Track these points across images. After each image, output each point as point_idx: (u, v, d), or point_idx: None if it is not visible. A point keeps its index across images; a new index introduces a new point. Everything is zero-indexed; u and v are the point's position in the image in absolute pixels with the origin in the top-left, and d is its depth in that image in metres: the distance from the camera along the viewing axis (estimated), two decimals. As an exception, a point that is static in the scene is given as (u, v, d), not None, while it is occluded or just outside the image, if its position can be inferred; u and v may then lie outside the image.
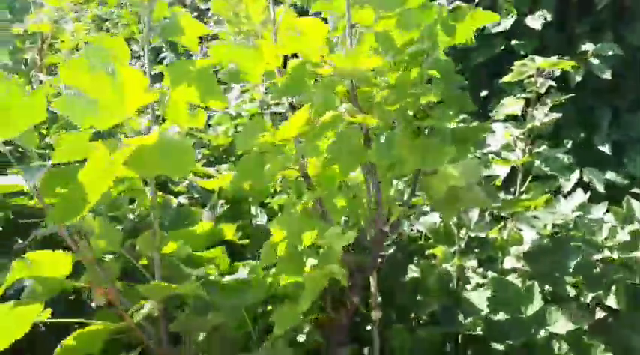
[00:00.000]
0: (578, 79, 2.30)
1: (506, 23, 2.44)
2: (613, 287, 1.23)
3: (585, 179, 2.26)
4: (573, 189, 2.04)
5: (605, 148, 2.31)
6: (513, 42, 2.48)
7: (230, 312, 0.95)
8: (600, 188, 2.20)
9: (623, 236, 1.31)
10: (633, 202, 1.41)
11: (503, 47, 2.49)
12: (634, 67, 2.39)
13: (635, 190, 2.20)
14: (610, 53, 2.27)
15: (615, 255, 1.27)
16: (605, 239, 1.32)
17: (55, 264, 0.81)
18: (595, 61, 2.30)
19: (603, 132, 2.34)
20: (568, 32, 2.49)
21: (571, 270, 1.23)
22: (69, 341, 0.82)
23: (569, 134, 2.39)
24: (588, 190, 1.83)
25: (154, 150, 0.78)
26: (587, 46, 2.37)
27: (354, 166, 0.94)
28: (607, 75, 2.26)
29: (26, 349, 0.88)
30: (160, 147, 0.79)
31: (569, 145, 2.33)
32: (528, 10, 2.47)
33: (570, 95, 1.57)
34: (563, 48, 2.43)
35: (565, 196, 1.57)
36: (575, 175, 2.26)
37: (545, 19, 2.40)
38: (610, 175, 2.27)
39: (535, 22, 2.41)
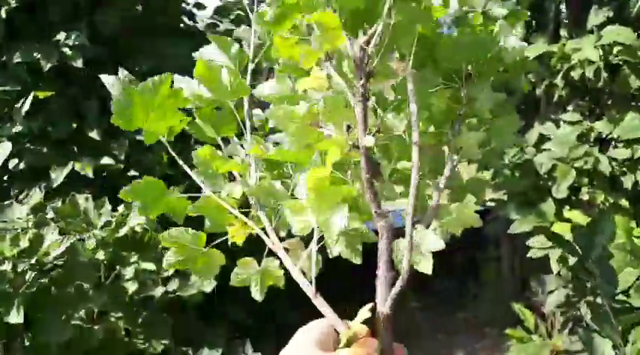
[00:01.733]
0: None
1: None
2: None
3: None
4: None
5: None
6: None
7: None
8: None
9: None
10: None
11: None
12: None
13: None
14: (78, 42, 2.33)
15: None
16: None
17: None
18: (67, 50, 2.33)
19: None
20: (41, 19, 2.43)
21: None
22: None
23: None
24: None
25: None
26: (61, 35, 2.37)
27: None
28: (79, 63, 2.32)
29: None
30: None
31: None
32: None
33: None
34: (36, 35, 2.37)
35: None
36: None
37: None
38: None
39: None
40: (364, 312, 0.57)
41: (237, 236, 0.76)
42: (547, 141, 2.55)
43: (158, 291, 1.62)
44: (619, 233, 1.70)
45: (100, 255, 1.37)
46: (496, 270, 3.89)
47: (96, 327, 1.43)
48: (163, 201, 0.75)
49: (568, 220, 2.57)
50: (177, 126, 0.77)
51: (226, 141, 0.81)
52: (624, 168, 2.31)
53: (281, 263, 0.70)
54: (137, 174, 2.35)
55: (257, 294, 0.72)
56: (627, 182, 2.29)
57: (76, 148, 2.45)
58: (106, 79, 0.76)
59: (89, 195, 1.53)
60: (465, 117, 0.75)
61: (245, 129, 0.79)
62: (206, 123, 0.81)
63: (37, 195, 1.56)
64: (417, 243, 0.61)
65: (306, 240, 0.69)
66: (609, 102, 2.54)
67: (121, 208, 1.58)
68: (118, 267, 1.52)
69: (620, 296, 1.36)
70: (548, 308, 2.90)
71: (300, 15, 0.68)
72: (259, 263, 0.72)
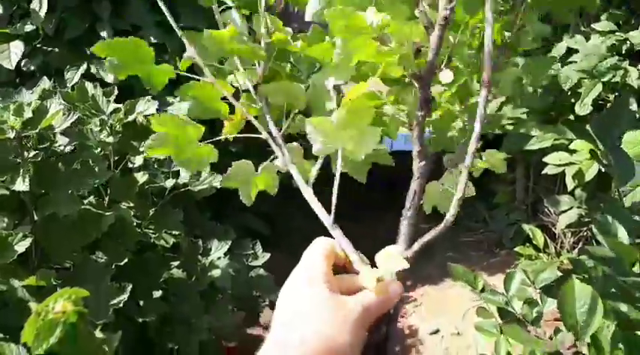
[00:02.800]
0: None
1: None
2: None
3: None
4: None
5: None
6: None
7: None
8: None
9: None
10: None
11: None
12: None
13: None
14: None
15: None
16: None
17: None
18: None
19: None
20: None
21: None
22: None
23: None
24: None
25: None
26: None
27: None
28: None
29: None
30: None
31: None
32: None
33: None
34: None
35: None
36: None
37: None
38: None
39: None
40: (392, 254, 0.52)
41: (231, 131, 0.71)
42: (575, 55, 2.43)
43: (168, 183, 1.62)
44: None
45: (110, 140, 1.36)
46: (509, 194, 3.87)
47: (107, 214, 1.44)
48: (144, 66, 0.66)
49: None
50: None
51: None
52: (655, 83, 2.20)
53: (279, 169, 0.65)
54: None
55: (245, 198, 0.69)
56: (656, 97, 2.18)
57: (88, 49, 2.41)
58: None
59: (97, 83, 1.50)
60: (509, 46, 0.68)
61: (259, 3, 0.69)
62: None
63: (45, 83, 1.54)
64: (446, 188, 0.58)
65: (306, 147, 0.65)
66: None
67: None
68: (127, 156, 1.52)
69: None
70: (559, 228, 2.90)
71: None
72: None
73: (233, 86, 0.70)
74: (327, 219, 0.56)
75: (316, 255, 0.53)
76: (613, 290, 1.02)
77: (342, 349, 0.47)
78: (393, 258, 0.52)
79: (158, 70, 0.67)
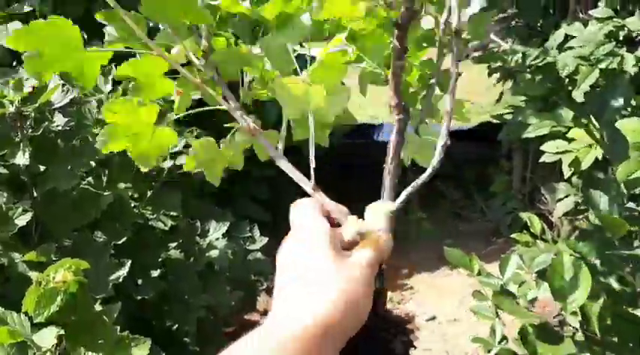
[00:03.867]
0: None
1: None
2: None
3: None
4: None
5: None
6: None
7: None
8: None
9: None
10: None
11: None
12: None
13: None
14: None
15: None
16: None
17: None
18: None
19: None
20: None
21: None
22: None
23: None
24: None
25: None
26: None
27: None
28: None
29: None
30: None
31: None
32: None
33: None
34: None
35: None
36: None
37: None
38: None
39: None
40: (379, 207, 0.52)
41: (182, 106, 0.63)
42: (572, 40, 2.44)
43: (166, 164, 1.64)
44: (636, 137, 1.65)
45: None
46: (507, 183, 3.88)
47: (105, 194, 1.46)
48: (72, 56, 0.55)
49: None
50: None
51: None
52: (651, 69, 2.21)
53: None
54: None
55: (212, 179, 0.64)
56: (652, 84, 2.19)
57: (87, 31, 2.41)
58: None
59: (96, 64, 1.51)
60: None
61: None
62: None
63: (44, 63, 1.55)
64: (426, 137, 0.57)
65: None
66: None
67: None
68: (126, 137, 1.52)
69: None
70: (556, 216, 2.91)
71: None
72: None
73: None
74: (307, 184, 0.55)
75: (311, 214, 0.52)
76: (603, 267, 1.04)
77: (363, 301, 0.47)
78: (380, 211, 0.52)
79: (91, 58, 0.57)
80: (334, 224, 0.53)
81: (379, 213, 0.52)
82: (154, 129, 0.60)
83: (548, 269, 0.96)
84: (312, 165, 0.55)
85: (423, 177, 0.52)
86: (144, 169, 0.66)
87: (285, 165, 0.57)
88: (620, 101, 1.10)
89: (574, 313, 0.93)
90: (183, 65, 0.61)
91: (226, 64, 0.62)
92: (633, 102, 2.33)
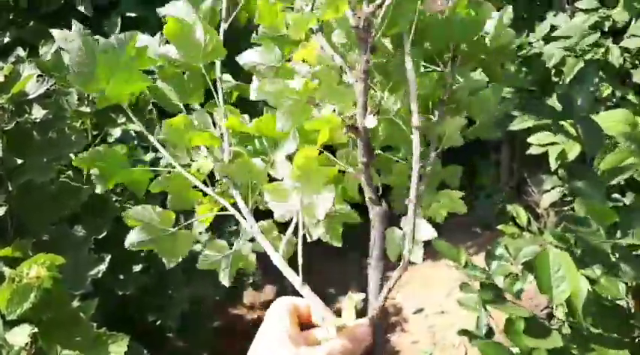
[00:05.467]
0: None
1: None
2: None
3: None
4: None
5: None
6: None
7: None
8: None
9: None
10: None
11: None
12: None
13: None
14: None
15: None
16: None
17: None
18: None
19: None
20: None
21: None
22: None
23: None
24: None
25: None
26: None
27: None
28: None
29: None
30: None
31: None
32: None
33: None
34: None
35: None
36: None
37: None
38: None
39: None
40: (354, 301, 0.54)
41: (205, 215, 0.74)
42: (557, 31, 2.43)
43: (148, 157, 1.61)
44: (623, 126, 1.65)
45: (87, 110, 1.34)
46: (494, 176, 3.89)
47: (85, 187, 1.43)
48: (123, 172, 0.71)
49: (571, 117, 2.51)
50: (138, 88, 0.70)
51: (188, 109, 0.74)
52: (637, 61, 2.21)
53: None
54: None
55: (225, 279, 0.70)
56: (638, 75, 2.20)
57: (64, 24, 2.36)
58: (60, 34, 0.69)
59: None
60: (448, 101, 0.71)
61: (217, 96, 0.72)
62: (170, 87, 0.74)
63: (20, 52, 1.51)
64: (408, 232, 0.58)
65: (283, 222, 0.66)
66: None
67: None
68: (105, 129, 1.50)
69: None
70: (542, 207, 2.92)
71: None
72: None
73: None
74: (296, 280, 0.58)
75: (279, 314, 0.56)
76: (587, 257, 1.03)
77: None
78: (352, 306, 0.55)
79: (139, 174, 0.72)
80: (309, 322, 0.57)
81: (351, 307, 0.54)
82: (170, 231, 0.72)
83: (534, 261, 0.95)
84: (300, 261, 0.58)
85: (402, 267, 0.57)
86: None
87: (279, 262, 0.61)
88: (589, 92, 1.09)
89: (560, 305, 0.92)
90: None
91: (237, 174, 0.69)
92: (619, 93, 2.34)
